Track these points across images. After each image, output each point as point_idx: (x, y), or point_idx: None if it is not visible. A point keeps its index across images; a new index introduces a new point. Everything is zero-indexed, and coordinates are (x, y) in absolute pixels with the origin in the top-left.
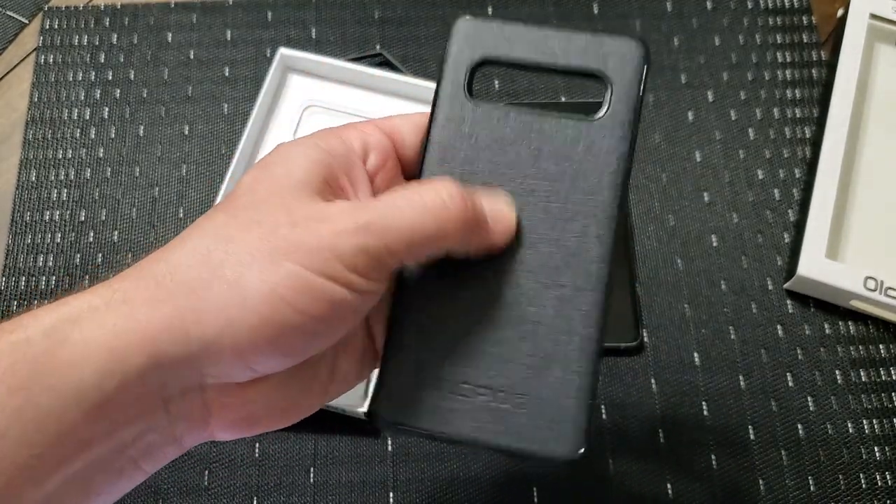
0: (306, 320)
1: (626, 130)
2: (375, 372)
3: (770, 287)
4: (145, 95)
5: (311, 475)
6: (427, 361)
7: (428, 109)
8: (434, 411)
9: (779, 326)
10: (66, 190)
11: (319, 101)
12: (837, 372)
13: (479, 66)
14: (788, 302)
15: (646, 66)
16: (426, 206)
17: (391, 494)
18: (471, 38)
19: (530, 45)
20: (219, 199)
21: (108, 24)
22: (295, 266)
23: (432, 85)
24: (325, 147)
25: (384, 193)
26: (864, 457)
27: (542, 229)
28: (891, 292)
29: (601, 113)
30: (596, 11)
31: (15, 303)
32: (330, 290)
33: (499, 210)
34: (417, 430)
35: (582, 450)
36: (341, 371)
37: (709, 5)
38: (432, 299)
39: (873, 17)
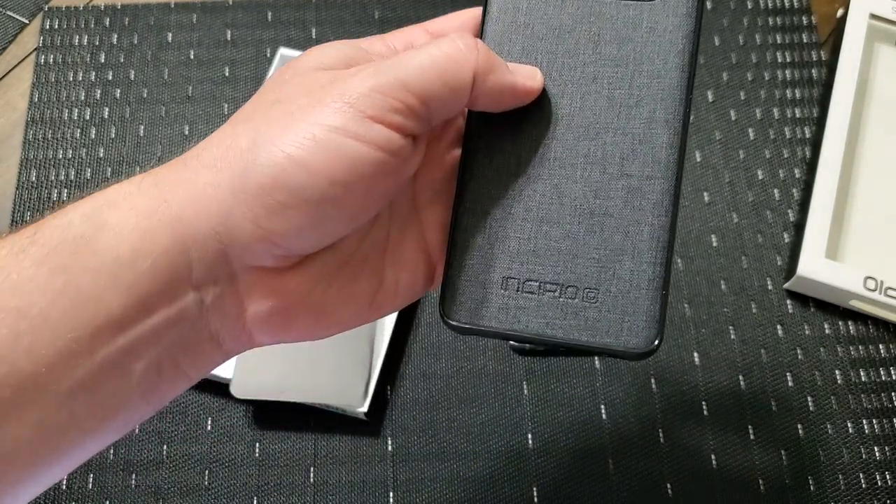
0: (320, 182)
1: (691, 7)
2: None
3: (770, 287)
4: (145, 95)
5: (311, 475)
6: (492, 259)
7: None
8: (502, 310)
9: (779, 326)
10: (66, 190)
11: None
12: (837, 372)
13: None
14: (788, 302)
15: None
16: (440, 45)
17: (391, 494)
18: None
19: None
20: None
21: (108, 24)
22: (306, 125)
23: None
24: (365, 46)
25: None
26: (863, 457)
27: (606, 118)
28: (890, 292)
29: None
30: None
31: None
32: (343, 145)
33: (520, 65)
34: (486, 329)
35: (656, 342)
36: (390, 281)
37: (708, 5)
38: (494, 196)
39: (873, 17)
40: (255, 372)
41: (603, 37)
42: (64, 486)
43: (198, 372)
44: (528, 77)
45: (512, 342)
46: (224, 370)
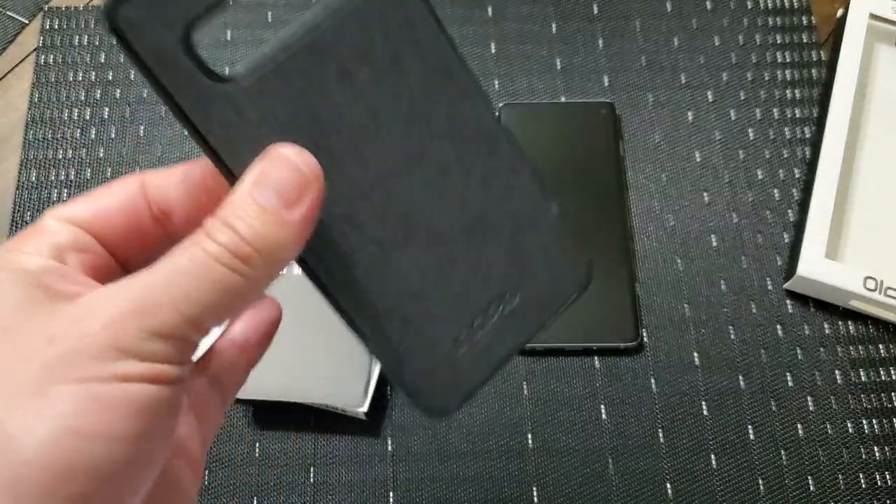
0: (122, 445)
1: None
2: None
3: (770, 287)
4: (146, 95)
5: (311, 475)
6: (430, 341)
7: None
8: (474, 363)
9: (778, 326)
10: (66, 190)
11: None
12: (837, 372)
13: (188, 36)
14: (788, 302)
15: None
16: (208, 263)
17: (391, 494)
18: (150, 12)
19: None
20: None
21: None
22: (72, 385)
23: None
24: (28, 270)
25: (157, 262)
26: (863, 456)
27: (411, 138)
28: (890, 292)
29: None
30: (596, 11)
31: None
32: (132, 391)
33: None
34: (475, 389)
35: (590, 269)
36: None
37: (709, 5)
38: (385, 292)
39: (873, 17)
40: (256, 372)
41: (347, 68)
42: None
43: None
44: (298, 198)
45: None
46: None
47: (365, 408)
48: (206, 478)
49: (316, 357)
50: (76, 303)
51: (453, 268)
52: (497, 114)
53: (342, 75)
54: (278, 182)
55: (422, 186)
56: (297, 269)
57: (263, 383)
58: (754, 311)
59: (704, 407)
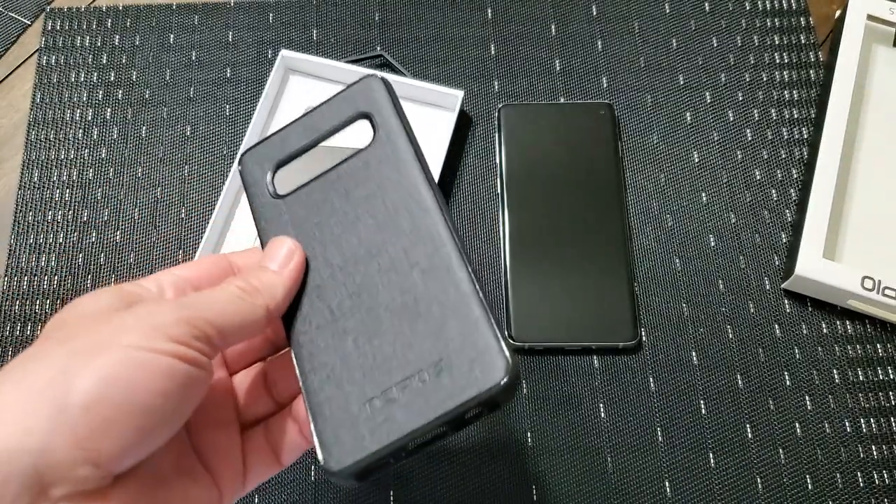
0: (140, 393)
1: (403, 133)
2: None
3: (768, 287)
4: (147, 97)
5: (312, 473)
6: (347, 397)
7: (430, 111)
8: (376, 430)
9: (776, 326)
10: (68, 190)
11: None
12: (835, 371)
13: (274, 173)
14: (786, 301)
15: (389, 89)
16: (237, 285)
17: (391, 492)
18: (257, 160)
19: (302, 134)
20: (220, 199)
21: (110, 25)
22: (117, 348)
23: (433, 86)
24: (130, 288)
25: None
26: (861, 455)
27: (378, 236)
28: (888, 292)
29: (373, 138)
30: (594, 13)
31: (17, 303)
32: (156, 360)
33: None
34: (370, 456)
35: (507, 373)
36: (198, 501)
37: (707, 7)
38: (324, 349)
39: (870, 18)
40: None
41: (350, 189)
42: None
43: None
44: (286, 264)
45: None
46: None
47: None
48: None
49: None
50: (142, 305)
51: (381, 339)
52: (497, 114)
53: (345, 192)
54: (275, 255)
55: (374, 271)
56: None
57: None
58: (752, 310)
59: (703, 406)
